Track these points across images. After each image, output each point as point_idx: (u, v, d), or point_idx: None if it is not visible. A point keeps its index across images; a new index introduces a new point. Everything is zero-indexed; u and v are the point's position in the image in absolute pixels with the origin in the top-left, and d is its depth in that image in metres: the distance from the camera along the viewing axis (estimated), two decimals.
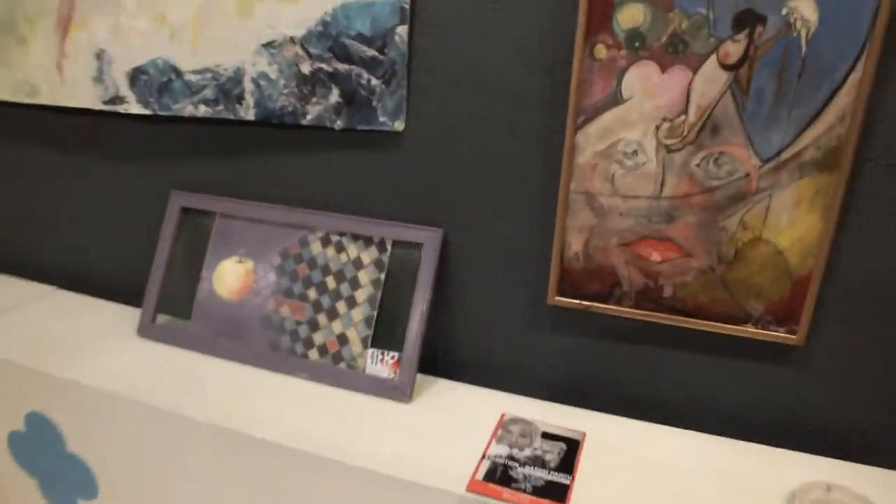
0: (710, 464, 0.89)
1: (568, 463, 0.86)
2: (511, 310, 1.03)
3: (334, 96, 1.01)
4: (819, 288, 0.87)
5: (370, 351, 1.01)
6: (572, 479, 0.83)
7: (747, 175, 0.84)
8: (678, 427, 0.96)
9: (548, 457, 0.87)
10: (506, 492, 0.81)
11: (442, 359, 1.10)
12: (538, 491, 0.81)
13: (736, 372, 0.95)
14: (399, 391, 0.99)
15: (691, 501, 0.81)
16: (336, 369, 1.02)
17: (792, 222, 0.85)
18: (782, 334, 0.90)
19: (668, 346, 0.97)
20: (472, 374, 1.09)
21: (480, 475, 0.83)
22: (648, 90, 0.84)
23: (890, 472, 0.88)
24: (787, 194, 0.84)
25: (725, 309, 0.91)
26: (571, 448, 0.89)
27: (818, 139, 0.81)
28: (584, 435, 0.92)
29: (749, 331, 0.91)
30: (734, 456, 0.90)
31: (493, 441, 0.90)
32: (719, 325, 0.92)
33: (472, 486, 0.81)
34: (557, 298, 0.97)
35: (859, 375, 0.91)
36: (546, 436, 0.92)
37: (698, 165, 0.85)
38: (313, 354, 1.04)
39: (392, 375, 1.00)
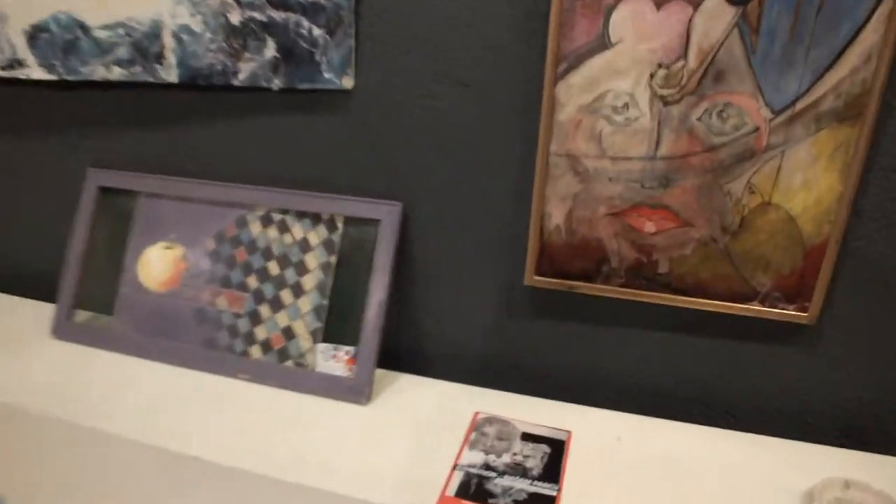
0: (714, 461, 0.77)
1: (553, 469, 0.74)
2: (484, 293, 0.90)
3: (270, 50, 0.86)
4: (835, 259, 0.76)
5: (321, 346, 0.87)
6: (559, 490, 0.71)
7: (756, 129, 0.72)
8: (676, 420, 0.85)
9: (529, 463, 0.75)
10: None
11: (405, 351, 0.96)
12: None
13: (740, 356, 0.84)
14: (356, 391, 0.85)
15: None
16: (282, 368, 0.88)
17: (807, 183, 0.73)
18: (792, 312, 0.79)
19: (662, 330, 0.85)
20: (441, 368, 0.96)
21: (452, 490, 0.71)
22: (641, 31, 0.71)
23: None
24: (801, 151, 0.72)
25: (729, 285, 0.79)
26: (556, 451, 0.77)
27: (839, 85, 0.69)
28: (569, 434, 0.80)
29: (755, 309, 0.80)
30: (741, 451, 0.79)
31: (466, 447, 0.77)
32: (722, 303, 0.80)
33: None
34: (536, 278, 0.85)
35: (877, 357, 0.81)
36: (527, 437, 0.79)
37: (699, 119, 0.73)
38: (255, 352, 0.90)
39: (347, 373, 0.86)
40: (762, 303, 0.79)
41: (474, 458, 0.75)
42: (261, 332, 0.90)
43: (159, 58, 0.90)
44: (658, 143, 0.74)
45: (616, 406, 0.89)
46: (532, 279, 0.85)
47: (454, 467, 0.74)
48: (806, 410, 0.85)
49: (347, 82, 0.85)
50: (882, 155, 0.72)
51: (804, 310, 0.78)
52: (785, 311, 0.79)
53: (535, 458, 0.76)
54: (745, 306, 0.80)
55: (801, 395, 0.85)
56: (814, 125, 0.71)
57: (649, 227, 0.78)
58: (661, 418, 0.85)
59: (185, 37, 0.88)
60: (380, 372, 0.90)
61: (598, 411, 0.86)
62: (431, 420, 0.82)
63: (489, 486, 0.71)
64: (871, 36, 0.67)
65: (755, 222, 0.76)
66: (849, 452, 0.80)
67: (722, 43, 0.69)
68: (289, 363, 0.88)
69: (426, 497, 0.70)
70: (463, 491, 0.70)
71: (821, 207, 0.74)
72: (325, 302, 0.88)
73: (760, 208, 0.75)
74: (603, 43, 0.72)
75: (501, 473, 0.73)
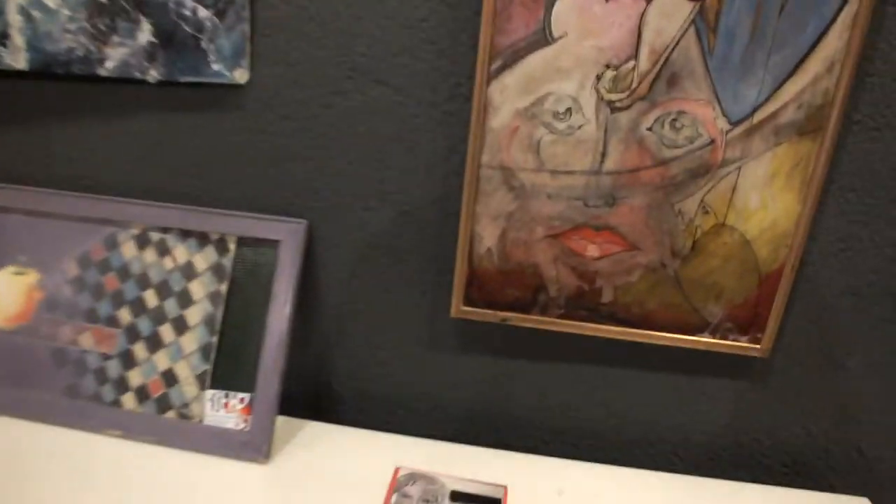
0: None
1: None
2: (404, 326, 0.78)
3: (145, 34, 0.71)
4: (791, 286, 0.69)
5: (209, 393, 0.73)
6: None
7: (712, 142, 0.64)
8: (620, 465, 0.76)
9: None
10: None
11: (311, 396, 0.83)
12: None
13: (688, 392, 0.76)
14: (252, 447, 0.71)
15: None
16: (162, 421, 0.73)
17: (764, 203, 0.66)
18: (745, 343, 0.72)
19: (605, 364, 0.76)
20: (355, 414, 0.83)
21: None
22: (587, 25, 0.61)
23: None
24: (759, 166, 0.64)
25: (678, 315, 0.71)
26: None
27: (801, 94, 0.62)
28: (505, 490, 0.69)
29: (706, 342, 0.72)
30: (690, 497, 0.71)
31: None
32: (670, 335, 0.72)
33: None
34: (465, 308, 0.74)
35: (826, 390, 0.75)
36: (457, 497, 0.68)
37: (650, 129, 0.64)
38: (128, 401, 0.74)
39: (241, 425, 0.72)
40: (713, 334, 0.71)
41: None
42: (135, 378, 0.74)
43: (3, 39, 0.73)
44: (604, 156, 0.65)
45: (555, 451, 0.80)
46: (459, 310, 0.73)
47: None
48: (755, 448, 0.78)
49: (241, 76, 0.71)
50: (842, 174, 0.66)
51: (757, 341, 0.71)
52: (737, 343, 0.71)
53: None
54: (695, 338, 0.72)
55: (751, 431, 0.77)
56: (773, 139, 0.63)
57: (592, 250, 0.69)
58: (604, 463, 0.76)
59: (36, 13, 0.72)
60: (281, 420, 0.76)
61: (536, 459, 0.76)
62: (343, 478, 0.69)
63: None
64: (834, 42, 0.60)
65: (708, 246, 0.68)
66: (796, 492, 0.74)
67: (677, 42, 0.61)
68: (170, 414, 0.73)
69: None
70: None
71: (777, 230, 0.67)
72: (214, 339, 0.74)
73: (714, 230, 0.67)
74: (543, 38, 0.62)
75: None
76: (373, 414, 0.82)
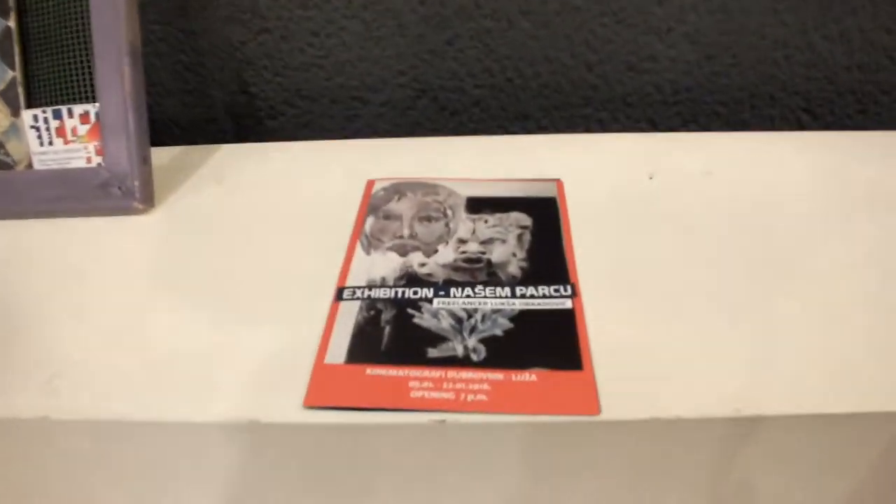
0: (794, 174, 0.42)
1: (546, 257, 0.36)
2: None
3: None
4: None
5: (28, 116, 0.42)
6: (574, 294, 0.33)
7: None
8: (714, 130, 0.47)
9: (497, 255, 0.37)
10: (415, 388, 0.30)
11: (227, 113, 0.53)
12: (491, 360, 0.30)
13: None
14: (123, 191, 0.42)
15: None
16: None
17: None
18: None
19: None
20: (293, 128, 0.53)
21: (338, 346, 0.31)
22: None
23: None
24: None
25: None
26: (542, 219, 0.39)
27: None
28: (558, 184, 0.42)
29: None
30: (831, 153, 0.44)
31: (358, 247, 0.37)
32: None
33: (312, 398, 0.29)
34: None
35: None
36: (478, 206, 0.40)
37: None
38: None
39: (91, 158, 0.42)
40: None
41: (380, 267, 0.36)
42: None
43: None
44: None
45: (616, 123, 0.51)
46: None
47: (338, 294, 0.34)
48: None
49: None
50: None
51: None
52: None
53: (501, 241, 0.38)
54: None
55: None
56: None
57: None
58: (694, 131, 0.48)
59: None
60: (179, 151, 0.47)
61: (590, 138, 0.47)
62: (287, 211, 0.41)
63: (422, 320, 0.33)
64: None
65: None
66: None
67: None
68: None
69: (294, 370, 0.30)
70: (362, 343, 0.31)
71: None
72: (11, 23, 0.41)
73: None
74: None
75: (441, 288, 0.34)
76: (321, 120, 0.53)
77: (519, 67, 0.50)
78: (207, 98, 0.52)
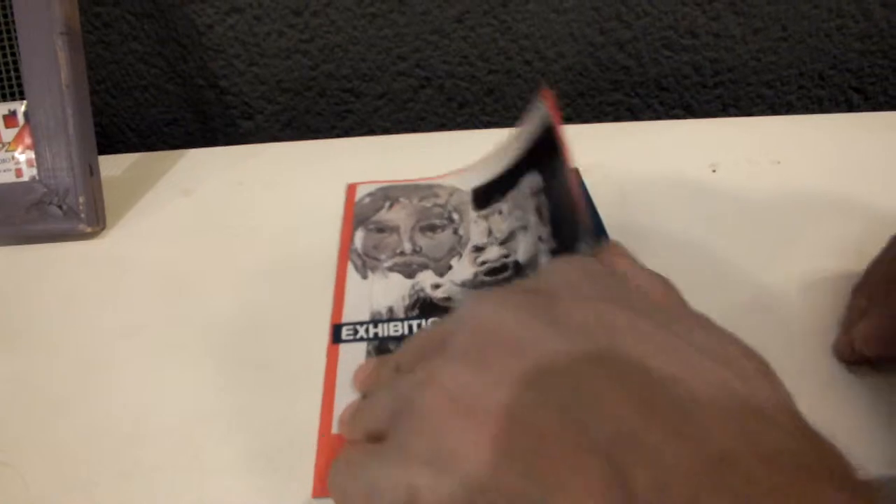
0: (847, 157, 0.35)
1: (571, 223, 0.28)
2: None
3: None
4: None
5: None
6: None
7: None
8: (762, 114, 0.41)
9: (523, 249, 0.29)
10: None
11: (189, 111, 0.44)
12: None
13: None
14: (65, 212, 0.33)
15: None
16: None
17: None
18: None
19: None
20: (261, 127, 0.45)
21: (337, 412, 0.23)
22: None
23: None
24: None
25: None
26: (550, 154, 0.31)
27: None
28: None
29: None
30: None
31: (351, 268, 0.29)
32: None
33: (321, 487, 0.21)
34: None
35: None
36: (484, 195, 0.32)
37: None
38: None
39: (21, 171, 0.33)
40: None
41: (383, 294, 0.28)
42: None
43: None
44: None
45: (648, 109, 0.44)
46: None
47: (334, 333, 0.26)
48: None
49: None
50: None
51: None
52: None
53: (523, 229, 0.30)
54: None
55: None
56: None
57: None
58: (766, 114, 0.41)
59: None
60: (135, 159, 0.38)
61: (627, 127, 0.40)
62: (260, 228, 0.33)
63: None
64: None
65: None
66: None
67: None
68: None
69: (294, 445, 0.22)
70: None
71: None
72: None
73: None
74: None
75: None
76: (305, 118, 0.44)
77: (539, 48, 0.42)
78: (167, 95, 0.44)
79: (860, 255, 0.26)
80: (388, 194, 0.34)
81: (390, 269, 0.29)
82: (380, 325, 0.27)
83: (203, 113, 0.44)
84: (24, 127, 0.33)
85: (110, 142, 0.44)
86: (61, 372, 0.25)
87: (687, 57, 0.44)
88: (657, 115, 0.46)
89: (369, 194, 0.34)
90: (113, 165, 0.38)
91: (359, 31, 0.41)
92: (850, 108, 0.48)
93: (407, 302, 0.28)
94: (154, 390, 0.24)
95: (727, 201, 0.33)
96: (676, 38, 0.43)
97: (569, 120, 0.46)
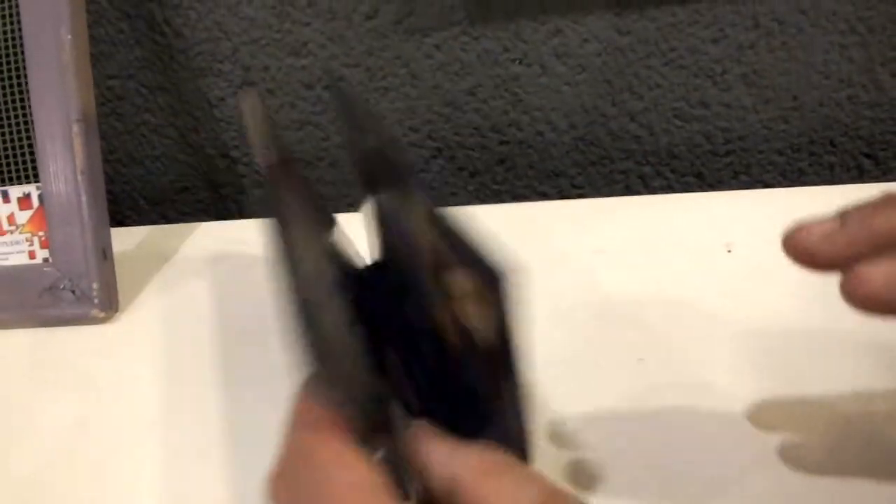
0: None
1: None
2: None
3: None
4: None
5: None
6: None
7: None
8: (765, 186, 0.41)
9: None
10: None
11: (202, 179, 0.44)
12: None
13: None
14: (78, 297, 0.33)
15: None
16: None
17: None
18: None
19: None
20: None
21: None
22: None
23: None
24: None
25: None
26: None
27: None
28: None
29: None
30: None
31: None
32: None
33: None
34: None
35: None
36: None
37: None
38: None
39: (35, 253, 0.33)
40: None
41: None
42: None
43: None
44: None
45: (659, 177, 0.44)
46: None
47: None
48: None
49: None
50: None
51: None
52: None
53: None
54: None
55: None
56: None
57: None
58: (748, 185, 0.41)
59: None
60: (128, 235, 0.38)
61: (636, 201, 0.40)
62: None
63: None
64: None
65: None
66: None
67: None
68: None
69: None
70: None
71: None
72: None
73: None
74: None
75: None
76: (318, 187, 0.44)
77: (551, 119, 0.43)
78: (179, 164, 0.44)
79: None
80: None
81: None
82: None
83: (214, 181, 0.44)
84: (38, 209, 0.33)
85: (121, 212, 0.44)
86: (75, 463, 0.25)
87: (698, 126, 0.44)
88: (668, 183, 0.46)
89: None
90: (125, 240, 0.38)
91: (370, 104, 0.42)
92: (861, 173, 0.48)
93: None
94: (173, 491, 0.24)
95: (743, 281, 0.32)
96: (688, 109, 0.43)
97: (580, 188, 0.46)
